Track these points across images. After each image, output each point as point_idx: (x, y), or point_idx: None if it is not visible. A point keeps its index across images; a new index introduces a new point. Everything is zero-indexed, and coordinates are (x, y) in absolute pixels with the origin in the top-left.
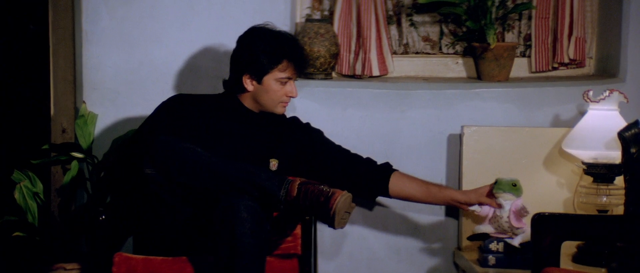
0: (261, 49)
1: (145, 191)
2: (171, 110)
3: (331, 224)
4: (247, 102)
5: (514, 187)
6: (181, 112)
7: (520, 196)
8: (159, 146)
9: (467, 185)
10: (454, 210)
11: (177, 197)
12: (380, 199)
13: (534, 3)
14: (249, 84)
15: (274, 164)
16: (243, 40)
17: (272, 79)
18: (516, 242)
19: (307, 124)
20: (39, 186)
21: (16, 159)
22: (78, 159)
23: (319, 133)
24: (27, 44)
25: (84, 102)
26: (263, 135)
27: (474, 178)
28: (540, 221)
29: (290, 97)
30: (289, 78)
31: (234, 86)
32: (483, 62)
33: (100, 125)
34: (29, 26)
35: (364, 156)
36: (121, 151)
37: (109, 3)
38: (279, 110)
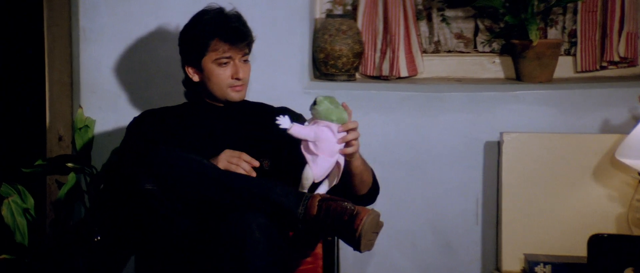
0: (190, 34)
1: (144, 209)
2: (148, 125)
3: (357, 247)
4: (207, 97)
5: (314, 105)
6: (158, 126)
7: (322, 118)
8: (159, 158)
9: (506, 198)
10: (491, 226)
11: (179, 214)
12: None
13: None
14: (193, 75)
15: (265, 165)
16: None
17: (210, 62)
18: (322, 189)
19: (300, 116)
20: (30, 202)
21: (8, 171)
22: (75, 169)
23: None
24: (19, 43)
25: (80, 107)
26: (247, 131)
27: (515, 191)
28: (598, 243)
29: (238, 78)
30: (229, 58)
31: (187, 84)
32: (523, 61)
33: (99, 132)
34: (23, 24)
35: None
36: (112, 172)
37: None
38: (232, 96)
